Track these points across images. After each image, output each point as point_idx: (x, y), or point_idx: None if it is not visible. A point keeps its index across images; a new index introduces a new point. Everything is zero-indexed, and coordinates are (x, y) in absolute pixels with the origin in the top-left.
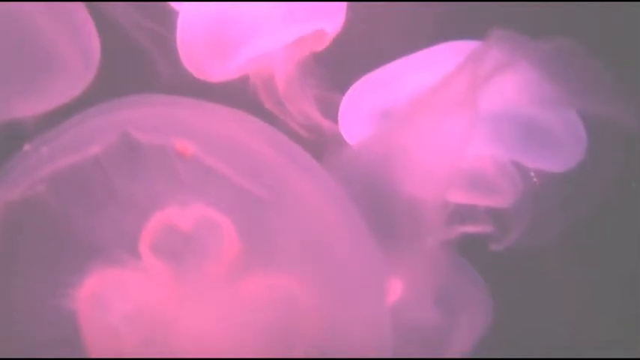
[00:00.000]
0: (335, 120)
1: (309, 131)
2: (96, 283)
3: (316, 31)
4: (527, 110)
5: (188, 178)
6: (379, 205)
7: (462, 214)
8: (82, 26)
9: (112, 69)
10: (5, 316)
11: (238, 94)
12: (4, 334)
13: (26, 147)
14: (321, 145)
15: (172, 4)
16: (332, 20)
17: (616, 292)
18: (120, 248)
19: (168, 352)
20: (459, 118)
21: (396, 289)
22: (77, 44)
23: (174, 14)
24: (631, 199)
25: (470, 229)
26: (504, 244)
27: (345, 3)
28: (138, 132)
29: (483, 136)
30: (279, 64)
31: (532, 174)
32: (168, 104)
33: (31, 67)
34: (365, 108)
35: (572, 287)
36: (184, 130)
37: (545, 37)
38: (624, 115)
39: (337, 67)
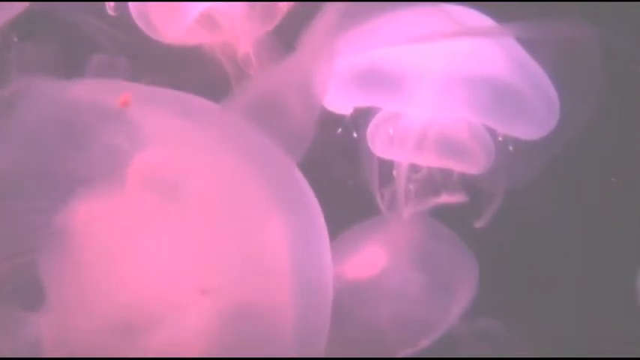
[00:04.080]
0: None
1: None
2: (81, 213)
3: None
4: (503, 76)
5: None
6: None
7: (437, 184)
8: None
9: None
10: None
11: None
12: None
13: None
14: None
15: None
16: None
17: (614, 291)
18: (102, 180)
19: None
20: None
21: (380, 259)
22: None
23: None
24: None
25: (444, 199)
26: (486, 219)
27: None
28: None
29: (457, 99)
30: (244, 40)
31: (500, 138)
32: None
33: None
34: (339, 73)
35: (570, 287)
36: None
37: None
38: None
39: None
